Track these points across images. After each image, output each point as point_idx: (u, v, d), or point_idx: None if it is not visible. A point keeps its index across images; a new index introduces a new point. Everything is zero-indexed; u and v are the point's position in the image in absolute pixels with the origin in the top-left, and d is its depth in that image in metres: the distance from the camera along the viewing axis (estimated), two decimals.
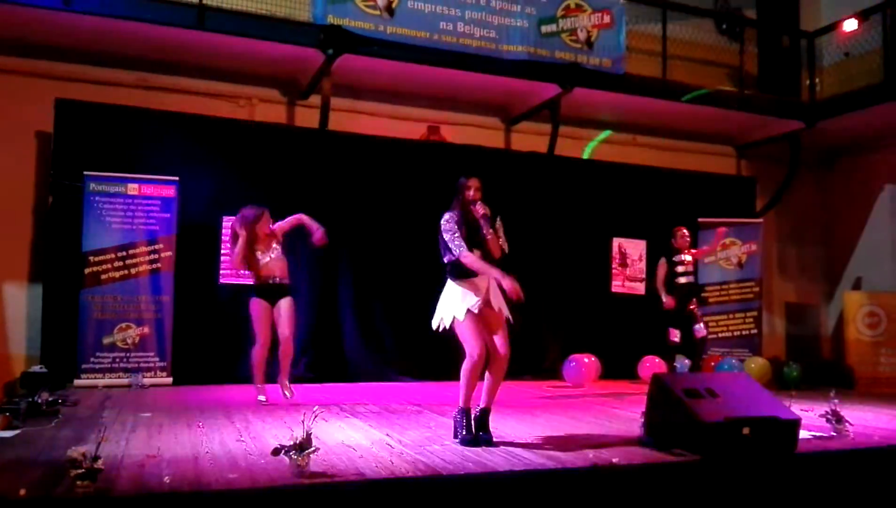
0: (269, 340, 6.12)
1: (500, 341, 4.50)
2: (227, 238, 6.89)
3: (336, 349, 8.07)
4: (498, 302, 4.52)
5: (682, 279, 7.89)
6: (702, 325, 7.84)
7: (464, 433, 4.42)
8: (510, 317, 4.60)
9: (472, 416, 4.49)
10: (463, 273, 4.46)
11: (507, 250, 4.59)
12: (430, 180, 8.56)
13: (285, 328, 6.07)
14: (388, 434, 4.65)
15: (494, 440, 4.40)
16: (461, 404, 4.49)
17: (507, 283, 4.29)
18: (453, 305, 4.45)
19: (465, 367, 4.42)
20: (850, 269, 10.70)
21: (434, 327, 4.55)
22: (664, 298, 7.83)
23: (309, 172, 8.11)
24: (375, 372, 8.05)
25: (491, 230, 4.47)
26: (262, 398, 6.07)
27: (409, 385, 7.69)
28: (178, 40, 7.34)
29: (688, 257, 7.94)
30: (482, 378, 4.53)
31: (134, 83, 7.76)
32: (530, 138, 9.25)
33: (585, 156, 9.62)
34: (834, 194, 10.92)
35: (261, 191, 7.89)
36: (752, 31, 10.10)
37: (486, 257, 4.47)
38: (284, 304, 6.11)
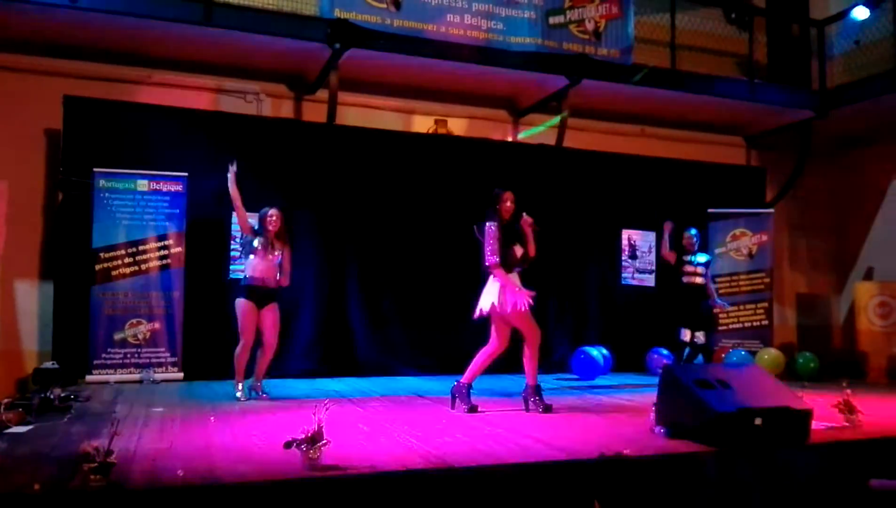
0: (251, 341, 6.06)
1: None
2: None
3: (346, 344, 8.08)
4: None
5: (688, 279, 7.41)
6: (700, 334, 7.31)
7: (466, 406, 5.30)
8: None
9: None
10: (510, 267, 5.25)
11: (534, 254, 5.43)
12: (438, 174, 8.56)
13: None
14: (399, 427, 4.65)
15: (505, 433, 4.46)
16: (467, 380, 5.38)
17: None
18: (514, 292, 5.15)
19: (533, 348, 5.27)
20: (861, 259, 10.63)
21: (486, 310, 5.24)
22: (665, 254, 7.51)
23: (317, 166, 8.10)
24: (385, 366, 8.06)
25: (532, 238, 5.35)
26: (238, 394, 5.95)
27: (418, 379, 7.69)
28: (185, 36, 7.34)
29: (698, 260, 7.44)
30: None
31: (142, 80, 7.79)
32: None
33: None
34: (845, 184, 10.82)
35: (269, 186, 7.92)
36: (761, 19, 10.01)
37: (526, 258, 5.36)
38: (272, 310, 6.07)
